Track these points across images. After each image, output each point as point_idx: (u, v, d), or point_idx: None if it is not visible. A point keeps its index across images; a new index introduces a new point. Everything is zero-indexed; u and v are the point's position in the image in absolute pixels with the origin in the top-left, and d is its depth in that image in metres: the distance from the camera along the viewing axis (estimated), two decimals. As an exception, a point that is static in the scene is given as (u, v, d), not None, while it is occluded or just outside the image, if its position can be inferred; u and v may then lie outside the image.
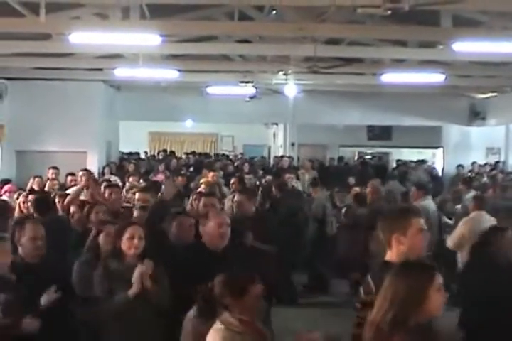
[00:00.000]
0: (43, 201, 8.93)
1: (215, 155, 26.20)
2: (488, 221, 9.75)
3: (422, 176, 20.34)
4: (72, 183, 12.41)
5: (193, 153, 24.57)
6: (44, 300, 5.59)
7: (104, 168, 18.33)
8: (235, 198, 9.17)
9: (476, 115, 24.20)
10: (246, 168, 19.63)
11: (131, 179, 14.12)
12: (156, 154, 25.98)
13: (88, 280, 5.90)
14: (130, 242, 5.78)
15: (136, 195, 9.71)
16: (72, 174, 13.07)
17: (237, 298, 4.50)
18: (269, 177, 16.00)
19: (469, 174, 20.24)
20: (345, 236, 11.63)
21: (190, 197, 10.06)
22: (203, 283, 4.79)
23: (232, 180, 12.91)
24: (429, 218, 10.72)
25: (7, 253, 5.74)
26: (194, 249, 6.15)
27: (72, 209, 8.68)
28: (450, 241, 10.09)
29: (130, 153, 24.09)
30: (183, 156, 24.09)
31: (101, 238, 6.44)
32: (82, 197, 9.85)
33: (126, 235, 5.80)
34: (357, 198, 12.08)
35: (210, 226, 6.02)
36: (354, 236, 11.11)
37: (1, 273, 5.47)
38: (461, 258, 9.93)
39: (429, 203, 11.35)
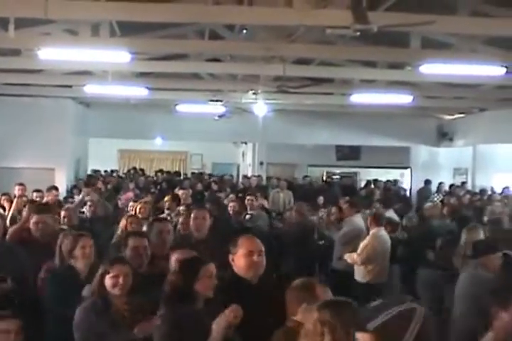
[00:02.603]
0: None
1: (184, 174, 26.06)
2: (386, 236, 10.40)
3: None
4: (38, 200, 12.26)
5: (161, 171, 24.38)
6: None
7: (72, 187, 18.20)
8: (194, 214, 8.28)
9: (443, 136, 24.41)
10: (214, 186, 19.58)
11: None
12: (123, 172, 25.77)
13: (99, 332, 5.01)
14: (209, 281, 4.95)
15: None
16: (39, 191, 12.93)
17: None
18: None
19: (436, 194, 20.33)
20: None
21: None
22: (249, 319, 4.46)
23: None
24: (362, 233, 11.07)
25: None
26: (230, 282, 5.27)
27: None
28: (359, 258, 10.28)
29: (97, 171, 23.71)
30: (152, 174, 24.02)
31: (108, 279, 5.27)
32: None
33: (205, 273, 4.94)
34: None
35: (240, 255, 5.32)
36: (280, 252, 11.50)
37: None
38: (362, 273, 10.27)
39: (360, 220, 11.55)
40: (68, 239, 6.73)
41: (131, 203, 11.77)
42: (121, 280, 5.27)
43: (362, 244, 10.21)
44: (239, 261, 5.29)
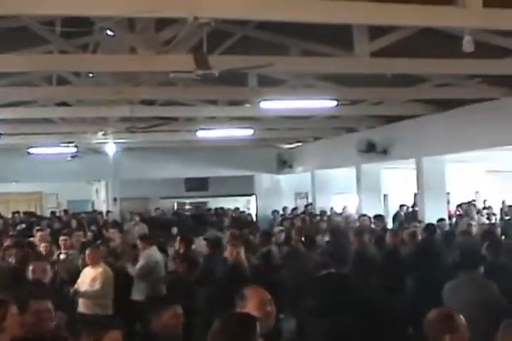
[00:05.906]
0: None
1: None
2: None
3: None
4: None
5: (18, 212, 23.40)
6: None
7: None
8: None
9: (283, 164, 24.91)
10: (74, 224, 19.00)
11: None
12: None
13: None
14: None
15: None
16: None
17: None
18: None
19: (281, 218, 20.61)
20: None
21: None
22: None
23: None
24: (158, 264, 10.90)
25: None
26: None
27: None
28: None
29: None
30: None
31: None
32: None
33: None
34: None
35: None
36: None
37: None
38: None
39: (156, 252, 11.15)
40: None
41: None
42: None
43: (91, 280, 9.64)
44: None
